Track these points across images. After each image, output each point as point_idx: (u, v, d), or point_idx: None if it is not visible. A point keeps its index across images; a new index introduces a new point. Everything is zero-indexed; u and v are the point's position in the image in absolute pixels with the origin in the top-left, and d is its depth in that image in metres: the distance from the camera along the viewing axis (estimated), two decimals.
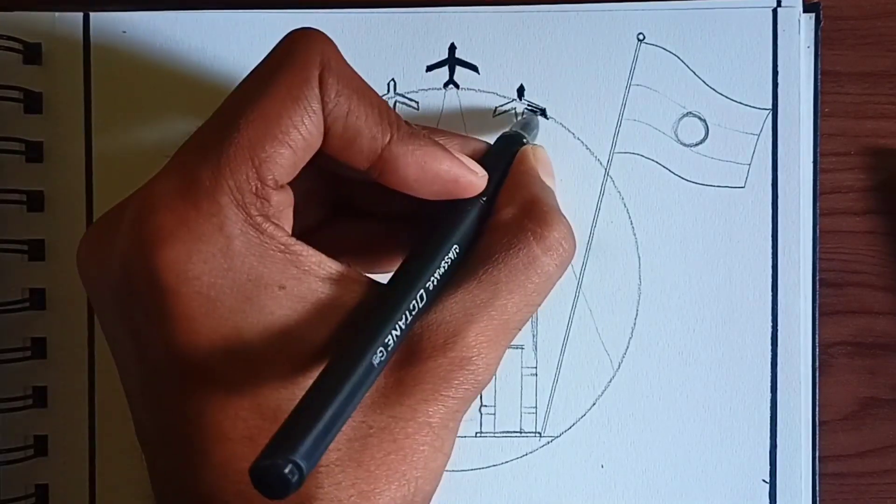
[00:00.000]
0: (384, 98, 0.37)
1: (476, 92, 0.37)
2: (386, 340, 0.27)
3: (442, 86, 0.37)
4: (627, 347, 0.37)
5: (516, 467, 0.37)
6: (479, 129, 0.37)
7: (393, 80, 0.37)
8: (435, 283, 0.29)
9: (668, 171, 0.37)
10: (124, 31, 0.36)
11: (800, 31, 0.36)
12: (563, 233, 0.30)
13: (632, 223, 0.37)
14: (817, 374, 0.37)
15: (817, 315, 0.37)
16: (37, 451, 0.37)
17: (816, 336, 0.37)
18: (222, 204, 0.27)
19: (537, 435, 0.37)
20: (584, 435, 0.37)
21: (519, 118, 0.37)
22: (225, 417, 0.27)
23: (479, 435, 0.37)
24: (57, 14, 0.36)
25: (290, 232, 0.29)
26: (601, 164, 0.37)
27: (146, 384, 0.28)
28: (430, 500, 0.29)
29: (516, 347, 0.37)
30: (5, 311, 0.36)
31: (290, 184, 0.30)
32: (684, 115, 0.37)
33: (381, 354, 0.26)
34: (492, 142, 0.34)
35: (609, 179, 0.37)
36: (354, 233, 0.34)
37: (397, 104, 0.37)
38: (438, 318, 0.29)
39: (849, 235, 0.38)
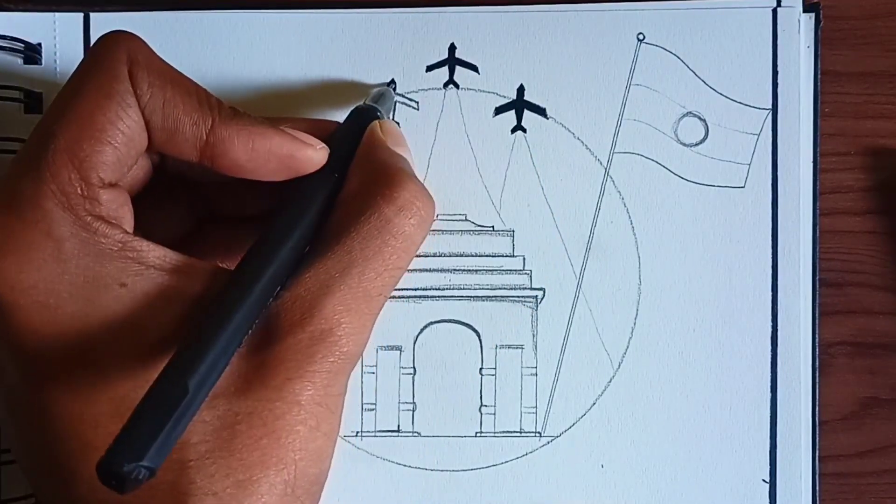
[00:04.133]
0: (386, 88, 0.37)
1: (476, 92, 0.37)
2: (231, 325, 0.26)
3: (442, 86, 0.37)
4: (627, 347, 0.37)
5: (516, 467, 0.37)
6: (479, 128, 0.37)
7: (393, 80, 0.37)
8: (282, 260, 0.29)
9: (668, 171, 0.37)
10: None
11: (800, 31, 0.36)
12: (414, 191, 0.30)
13: (632, 223, 0.37)
14: (817, 374, 0.37)
15: (817, 315, 0.37)
16: None
17: (816, 336, 0.37)
18: (46, 209, 0.27)
19: (537, 435, 0.37)
20: (584, 435, 0.37)
21: (372, 92, 0.36)
22: (86, 427, 0.27)
23: (479, 435, 0.37)
24: (57, 14, 0.36)
25: (129, 230, 0.28)
26: (601, 164, 0.37)
27: (8, 408, 0.28)
28: (319, 483, 0.29)
29: (516, 347, 0.37)
30: None
31: (150, 195, 0.30)
32: (684, 115, 0.37)
33: (228, 341, 0.26)
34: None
35: (609, 179, 0.37)
36: (222, 238, 0.34)
37: (397, 104, 0.37)
38: (294, 295, 0.28)
39: (849, 235, 0.38)
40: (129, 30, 0.30)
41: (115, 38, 0.29)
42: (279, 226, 0.30)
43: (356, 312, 0.29)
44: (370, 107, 0.34)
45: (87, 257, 0.27)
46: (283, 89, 0.37)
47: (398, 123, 0.37)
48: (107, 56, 0.29)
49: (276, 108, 0.36)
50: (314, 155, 0.31)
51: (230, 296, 0.27)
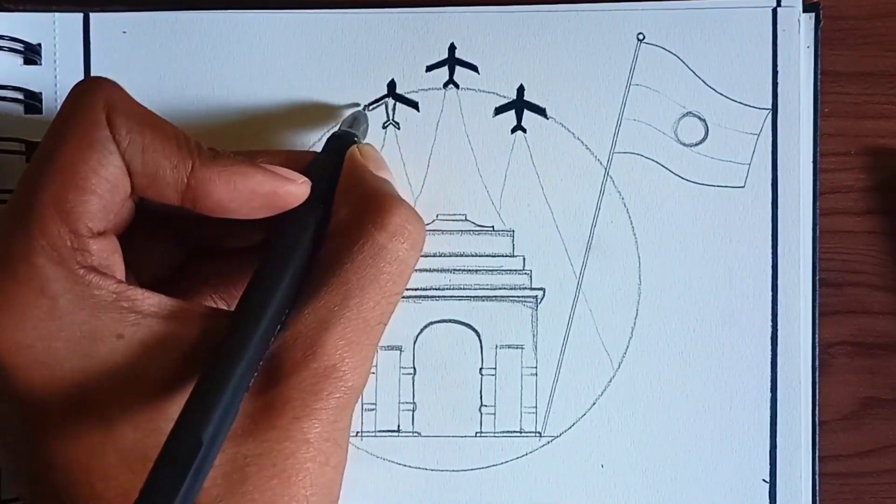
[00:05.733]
0: (385, 99, 0.37)
1: (476, 92, 0.37)
2: (237, 373, 0.26)
3: (442, 86, 0.37)
4: (627, 347, 0.37)
5: (516, 467, 0.37)
6: (479, 128, 0.37)
7: (393, 80, 0.37)
8: (280, 299, 0.29)
9: (668, 171, 0.37)
10: (124, 31, 0.36)
11: (800, 31, 0.36)
12: (404, 215, 0.30)
13: (632, 223, 0.37)
14: (817, 374, 0.37)
15: (817, 315, 0.37)
16: None
17: (816, 336, 0.37)
18: (38, 265, 0.27)
19: (537, 435, 0.37)
20: (584, 435, 0.37)
21: (345, 116, 0.36)
22: (95, 479, 0.27)
23: (479, 435, 0.37)
24: (57, 14, 0.36)
25: (121, 278, 0.28)
26: (601, 164, 0.37)
27: (15, 461, 0.28)
28: None
29: (516, 347, 0.37)
30: None
31: (135, 232, 0.30)
32: (684, 115, 0.37)
33: (236, 389, 0.26)
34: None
35: (609, 179, 0.37)
36: (214, 271, 0.34)
37: (397, 105, 0.37)
38: (294, 333, 0.28)
39: (849, 235, 0.38)
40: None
41: (91, 85, 0.29)
42: (272, 264, 0.29)
43: (357, 345, 0.29)
44: (346, 132, 0.34)
45: (83, 311, 0.27)
46: (283, 90, 0.36)
47: (398, 125, 0.37)
48: (84, 103, 0.28)
49: (275, 109, 0.36)
50: (296, 189, 0.30)
51: (233, 343, 0.27)
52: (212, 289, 0.33)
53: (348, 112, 0.36)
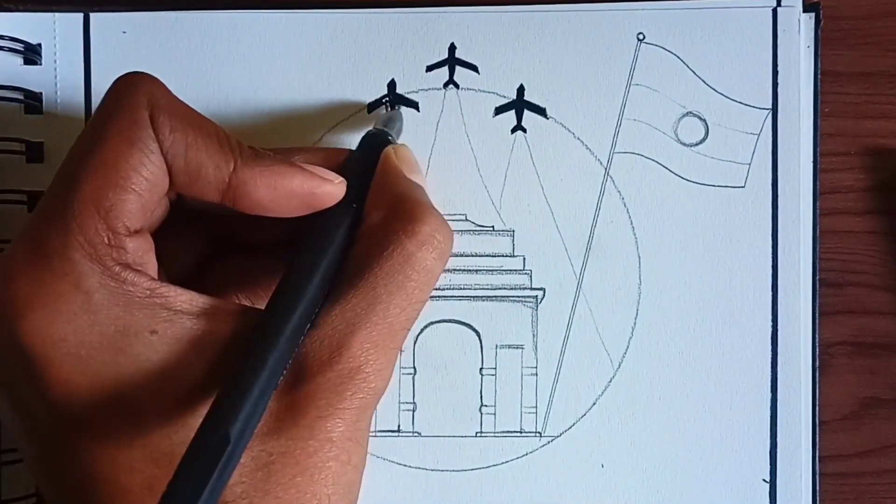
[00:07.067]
0: (383, 100, 0.37)
1: (476, 92, 0.37)
2: (266, 370, 0.27)
3: (442, 86, 0.37)
4: (627, 347, 0.37)
5: (516, 467, 0.37)
6: (479, 128, 0.37)
7: (393, 80, 0.37)
8: (310, 299, 0.29)
9: (668, 171, 0.37)
10: (124, 31, 0.36)
11: (800, 30, 0.36)
12: (435, 225, 0.30)
13: (632, 223, 0.37)
14: (817, 374, 0.37)
15: (817, 315, 0.37)
16: None
17: (816, 336, 0.37)
18: (75, 261, 0.27)
19: (537, 435, 0.37)
20: (584, 435, 0.37)
21: (381, 115, 0.36)
22: (120, 471, 0.27)
23: (479, 435, 0.37)
24: (57, 14, 0.36)
25: (154, 276, 0.28)
26: (601, 164, 0.37)
27: (40, 452, 0.28)
28: None
29: (516, 347, 0.37)
30: None
31: (165, 227, 0.30)
32: (684, 115, 0.37)
33: (265, 386, 0.26)
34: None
35: (609, 179, 0.37)
36: (240, 268, 0.34)
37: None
38: (321, 334, 0.29)
39: (849, 235, 0.38)
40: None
41: (134, 81, 0.29)
42: (304, 263, 0.30)
43: (382, 348, 0.29)
44: (381, 131, 0.34)
45: (117, 307, 0.27)
46: (283, 90, 0.37)
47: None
48: (127, 101, 0.28)
49: (276, 109, 0.36)
50: (333, 190, 0.31)
51: (263, 341, 0.27)
52: (237, 287, 0.33)
53: (351, 112, 0.36)
